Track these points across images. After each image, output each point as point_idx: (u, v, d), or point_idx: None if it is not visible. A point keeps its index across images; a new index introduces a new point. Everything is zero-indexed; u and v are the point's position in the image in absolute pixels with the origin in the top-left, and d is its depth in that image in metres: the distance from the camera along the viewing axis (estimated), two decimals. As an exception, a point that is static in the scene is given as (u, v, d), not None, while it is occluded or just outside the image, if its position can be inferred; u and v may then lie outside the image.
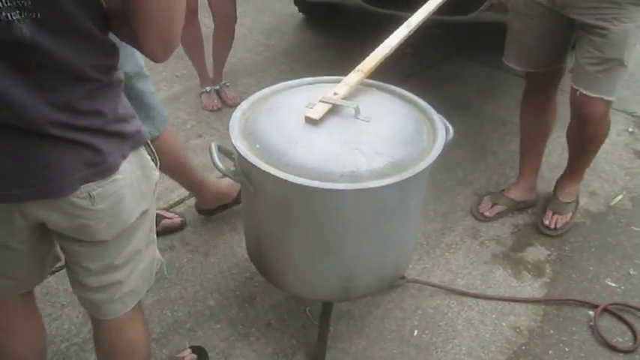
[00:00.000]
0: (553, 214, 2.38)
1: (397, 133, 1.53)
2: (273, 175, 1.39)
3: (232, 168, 1.60)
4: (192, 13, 2.94)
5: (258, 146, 1.49)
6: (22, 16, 0.88)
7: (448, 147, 1.64)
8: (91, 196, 1.06)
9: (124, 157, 1.09)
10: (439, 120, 1.63)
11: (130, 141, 1.11)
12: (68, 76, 0.98)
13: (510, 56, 2.27)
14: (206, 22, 3.05)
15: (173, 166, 2.08)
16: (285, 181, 1.38)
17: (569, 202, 2.39)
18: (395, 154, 1.45)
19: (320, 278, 1.59)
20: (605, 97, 2.02)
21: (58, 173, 1.01)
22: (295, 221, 1.51)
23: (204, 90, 3.16)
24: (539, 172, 2.55)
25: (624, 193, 2.61)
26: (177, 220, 2.35)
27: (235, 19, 3.01)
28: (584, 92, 2.02)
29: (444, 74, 3.59)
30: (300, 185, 1.37)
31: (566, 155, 2.82)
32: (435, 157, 1.48)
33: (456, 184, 2.63)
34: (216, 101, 3.13)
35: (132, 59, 1.75)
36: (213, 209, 2.35)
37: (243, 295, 2.06)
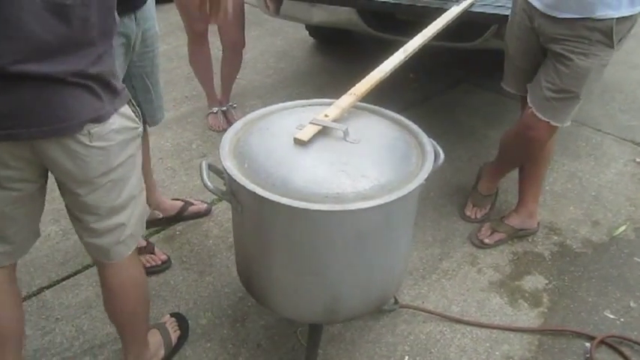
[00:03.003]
0: (473, 206, 2.58)
1: (385, 156, 1.53)
2: (258, 195, 1.40)
3: (223, 187, 1.62)
4: (201, 36, 3.00)
5: (246, 166, 1.51)
6: None
7: (439, 170, 1.65)
8: (90, 134, 1.25)
9: (116, 110, 1.30)
10: (429, 144, 1.63)
11: (119, 97, 1.31)
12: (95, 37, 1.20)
13: (507, 80, 2.30)
14: (217, 45, 3.11)
15: None
16: (270, 200, 1.39)
17: (487, 195, 2.58)
18: (381, 177, 1.46)
19: (304, 299, 1.59)
20: (553, 123, 2.07)
21: (72, 114, 1.21)
22: (280, 241, 1.51)
23: (211, 111, 3.21)
24: (542, 201, 2.54)
25: (628, 223, 2.58)
26: (202, 206, 2.55)
27: (243, 44, 3.07)
28: (535, 112, 2.08)
29: (450, 101, 3.60)
30: (284, 205, 1.38)
31: (571, 185, 2.83)
32: (421, 181, 1.48)
33: (457, 209, 2.62)
34: (222, 122, 3.17)
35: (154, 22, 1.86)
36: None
37: (235, 315, 2.06)
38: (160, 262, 2.24)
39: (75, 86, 1.19)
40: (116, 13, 1.27)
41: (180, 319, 1.99)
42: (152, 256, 2.23)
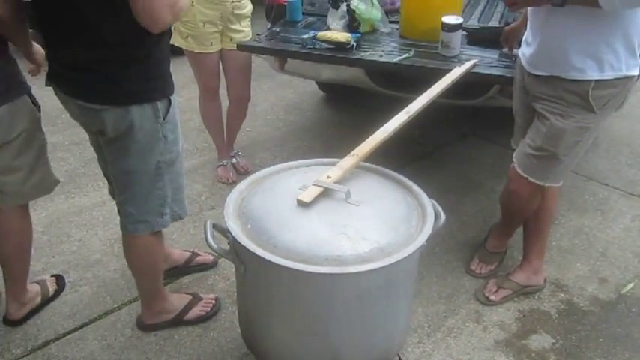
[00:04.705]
0: (479, 261, 2.58)
1: (385, 218, 1.56)
2: (260, 257, 1.43)
3: (227, 246, 1.65)
4: (213, 92, 3.11)
5: (249, 227, 1.54)
6: None
7: (445, 225, 1.68)
8: None
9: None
10: (430, 205, 1.66)
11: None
12: None
13: (513, 138, 2.33)
14: (224, 92, 3.20)
15: (147, 269, 2.09)
16: (271, 262, 1.42)
17: (495, 253, 2.59)
18: (381, 239, 1.48)
19: (305, 359, 1.60)
20: (531, 180, 2.11)
21: None
22: (281, 302, 1.54)
23: (220, 163, 3.28)
24: (548, 256, 2.54)
25: (636, 280, 2.55)
26: (209, 257, 2.56)
27: (248, 98, 3.19)
28: (516, 168, 2.14)
29: (457, 154, 3.63)
30: (285, 267, 1.40)
31: (578, 240, 2.82)
32: (421, 244, 1.50)
33: (463, 265, 2.62)
34: (231, 174, 3.24)
35: (180, 141, 1.89)
36: (153, 324, 2.22)
37: (238, 372, 2.06)
38: (214, 302, 2.31)
39: None
40: None
41: (59, 278, 2.42)
42: (203, 302, 2.29)
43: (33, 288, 2.27)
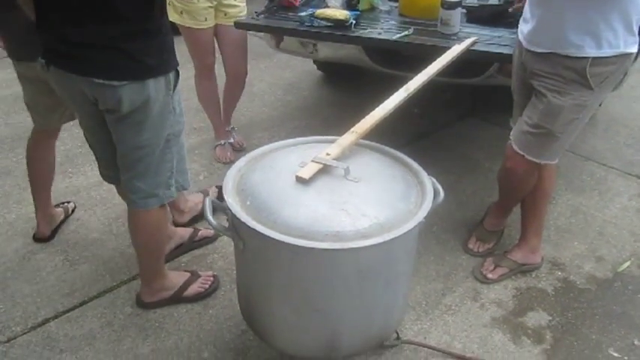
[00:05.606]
0: (477, 240, 2.58)
1: (385, 195, 1.56)
2: (259, 232, 1.43)
3: (226, 223, 1.66)
4: (210, 70, 3.08)
5: (249, 203, 1.54)
6: None
7: (443, 204, 1.68)
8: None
9: None
10: (429, 182, 1.66)
11: None
12: None
13: (512, 117, 2.33)
14: (222, 73, 3.19)
15: (153, 245, 2.09)
16: (271, 238, 1.42)
17: (492, 231, 2.59)
18: (380, 216, 1.48)
19: (304, 336, 1.61)
20: (527, 157, 2.11)
21: None
22: (280, 278, 1.54)
23: (218, 143, 3.27)
24: (545, 235, 2.55)
25: (632, 259, 2.57)
26: (210, 231, 2.57)
27: (246, 74, 3.18)
28: (512, 145, 2.14)
29: (456, 134, 3.63)
30: (285, 243, 1.40)
31: (575, 219, 2.83)
32: (419, 220, 1.50)
33: (460, 243, 2.63)
34: (229, 154, 3.23)
35: (183, 119, 1.91)
36: (153, 302, 2.21)
37: (237, 348, 2.07)
38: (212, 279, 2.31)
39: None
40: None
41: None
42: (202, 279, 2.29)
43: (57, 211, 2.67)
